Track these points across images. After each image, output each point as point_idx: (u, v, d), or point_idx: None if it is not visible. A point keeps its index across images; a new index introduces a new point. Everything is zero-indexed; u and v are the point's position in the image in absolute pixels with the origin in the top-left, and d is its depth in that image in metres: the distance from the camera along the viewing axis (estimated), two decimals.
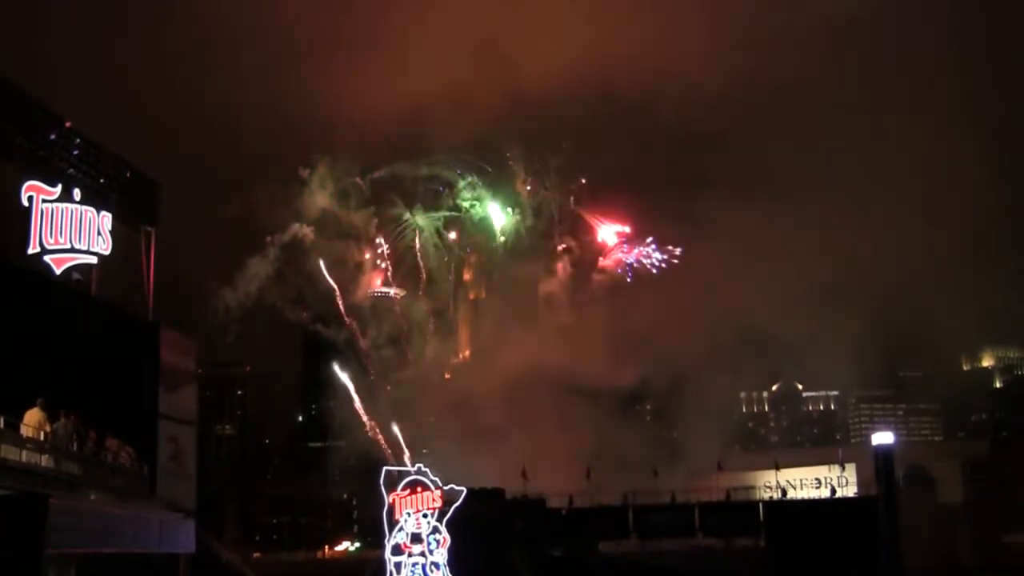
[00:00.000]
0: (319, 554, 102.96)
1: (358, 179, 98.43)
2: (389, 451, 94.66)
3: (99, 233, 38.06)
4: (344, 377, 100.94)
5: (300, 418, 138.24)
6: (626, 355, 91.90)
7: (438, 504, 50.80)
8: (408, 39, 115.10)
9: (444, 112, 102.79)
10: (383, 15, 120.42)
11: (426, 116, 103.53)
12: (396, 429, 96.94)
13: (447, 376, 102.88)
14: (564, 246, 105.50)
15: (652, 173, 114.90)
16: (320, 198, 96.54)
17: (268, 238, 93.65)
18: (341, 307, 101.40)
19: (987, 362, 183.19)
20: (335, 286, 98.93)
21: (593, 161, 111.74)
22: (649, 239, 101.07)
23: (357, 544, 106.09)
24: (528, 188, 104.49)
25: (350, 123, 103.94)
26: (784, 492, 61.43)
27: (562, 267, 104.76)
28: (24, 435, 27.45)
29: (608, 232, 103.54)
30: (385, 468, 53.27)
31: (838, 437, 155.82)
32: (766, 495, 61.29)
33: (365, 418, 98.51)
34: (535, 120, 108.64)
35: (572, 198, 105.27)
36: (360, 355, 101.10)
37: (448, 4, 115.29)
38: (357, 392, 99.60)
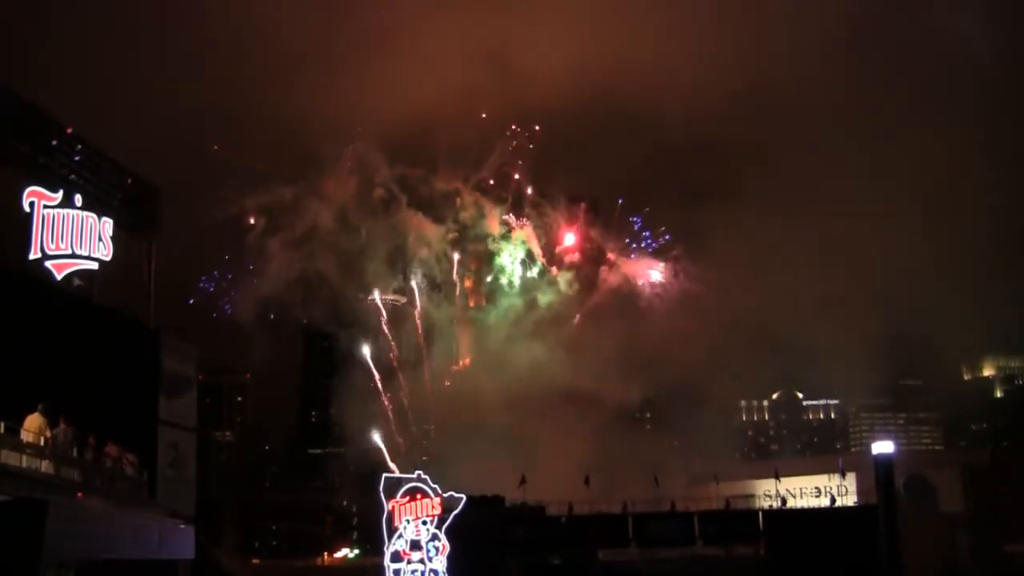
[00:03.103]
0: (318, 561, 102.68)
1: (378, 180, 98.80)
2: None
3: (100, 239, 38.19)
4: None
5: (300, 425, 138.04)
6: (629, 369, 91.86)
7: (437, 511, 50.78)
8: (411, 48, 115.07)
9: (449, 121, 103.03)
10: (386, 21, 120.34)
11: (431, 124, 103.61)
12: None
13: (447, 383, 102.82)
14: (569, 259, 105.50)
15: (656, 180, 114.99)
16: (337, 188, 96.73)
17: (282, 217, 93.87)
18: (343, 313, 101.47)
19: (988, 371, 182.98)
20: (338, 290, 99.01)
21: (598, 169, 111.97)
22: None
23: (356, 551, 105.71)
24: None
25: (354, 129, 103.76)
26: (784, 501, 61.45)
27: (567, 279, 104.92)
28: (24, 440, 27.45)
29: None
30: (384, 475, 53.19)
31: (838, 446, 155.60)
32: (766, 504, 61.29)
33: None
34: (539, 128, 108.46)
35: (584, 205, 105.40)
36: (361, 361, 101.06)
37: (451, 12, 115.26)
38: (357, 397, 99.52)
